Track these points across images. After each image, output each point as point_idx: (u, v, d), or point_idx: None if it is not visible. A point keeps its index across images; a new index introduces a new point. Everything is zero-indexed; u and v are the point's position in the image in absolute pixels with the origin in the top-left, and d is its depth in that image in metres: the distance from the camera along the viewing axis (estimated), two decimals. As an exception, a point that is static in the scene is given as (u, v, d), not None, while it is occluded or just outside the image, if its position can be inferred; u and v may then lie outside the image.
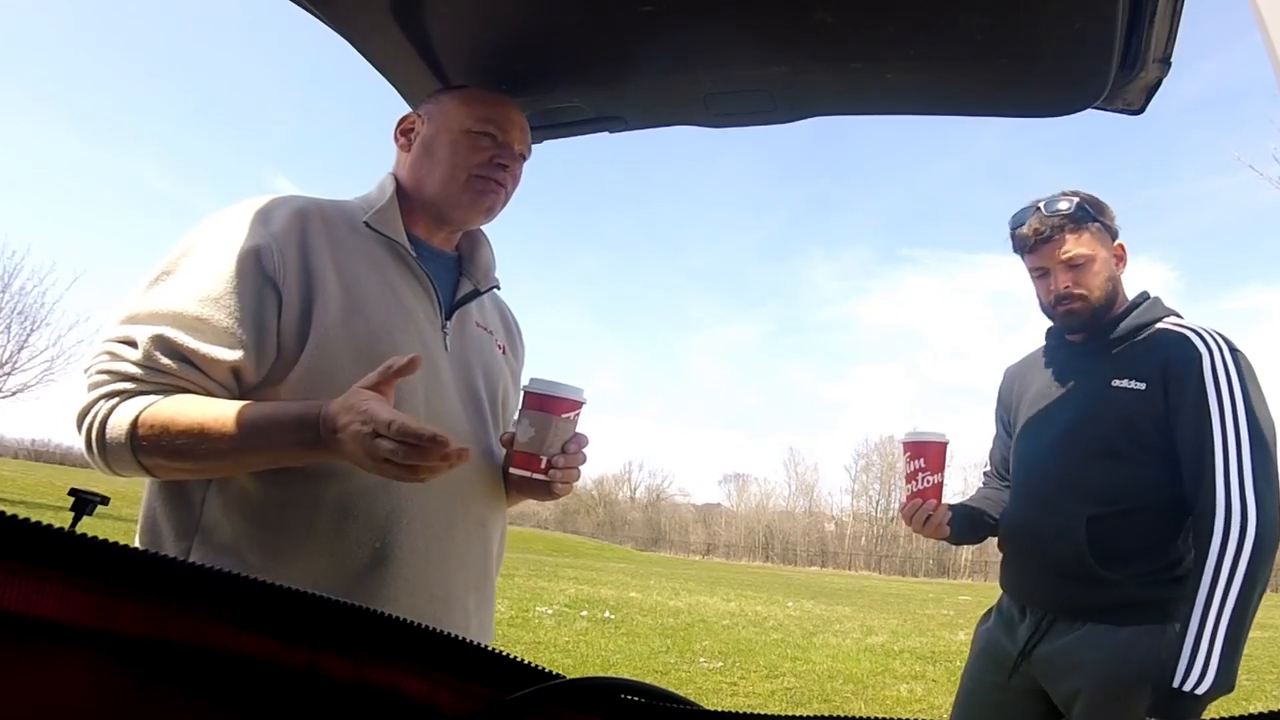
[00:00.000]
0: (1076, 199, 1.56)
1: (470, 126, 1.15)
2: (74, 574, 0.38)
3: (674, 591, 13.35)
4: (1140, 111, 1.22)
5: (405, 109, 1.33)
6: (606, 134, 1.42)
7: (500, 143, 1.16)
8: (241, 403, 0.94)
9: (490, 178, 1.15)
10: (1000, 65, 1.11)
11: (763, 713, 0.48)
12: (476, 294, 1.21)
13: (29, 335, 20.83)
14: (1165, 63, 1.11)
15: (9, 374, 20.56)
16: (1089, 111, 1.21)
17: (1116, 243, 1.60)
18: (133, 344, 0.95)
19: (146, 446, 0.92)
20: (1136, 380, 1.50)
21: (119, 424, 0.93)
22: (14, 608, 0.36)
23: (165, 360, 0.95)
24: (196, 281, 0.97)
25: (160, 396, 0.94)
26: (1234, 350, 1.47)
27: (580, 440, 1.09)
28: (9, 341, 20.59)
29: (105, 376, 0.96)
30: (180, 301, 0.96)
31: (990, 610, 1.77)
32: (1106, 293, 1.56)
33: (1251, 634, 1.37)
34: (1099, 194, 1.60)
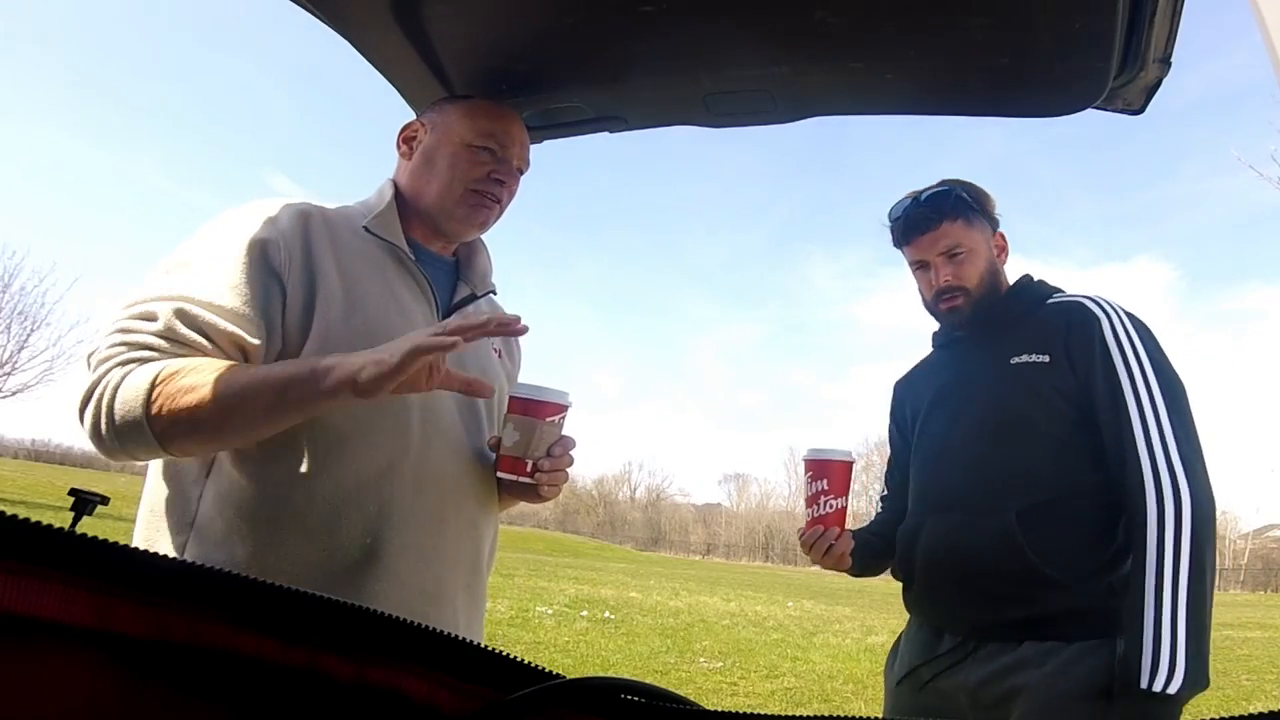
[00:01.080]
0: (955, 188, 1.48)
1: (471, 140, 1.16)
2: (74, 574, 0.38)
3: (674, 591, 13.36)
4: (1140, 111, 1.22)
5: (406, 109, 1.34)
6: (606, 134, 1.42)
7: (499, 158, 1.17)
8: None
9: (486, 193, 1.17)
10: (1000, 65, 1.11)
11: (763, 713, 0.48)
12: (473, 298, 1.23)
13: (29, 335, 20.93)
14: (1165, 63, 1.11)
15: (9, 374, 20.62)
16: (1089, 111, 1.21)
17: (998, 233, 1.51)
18: (151, 317, 0.95)
19: (162, 404, 0.89)
20: (1038, 354, 1.38)
21: (134, 387, 0.90)
22: (14, 608, 0.36)
23: (184, 330, 0.94)
24: (208, 271, 0.98)
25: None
26: (1130, 314, 1.37)
27: (566, 443, 1.10)
28: (9, 341, 20.67)
29: (118, 349, 0.93)
30: (194, 287, 0.97)
31: (892, 656, 1.55)
32: (988, 285, 1.47)
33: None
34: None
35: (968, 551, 1.35)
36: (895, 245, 1.54)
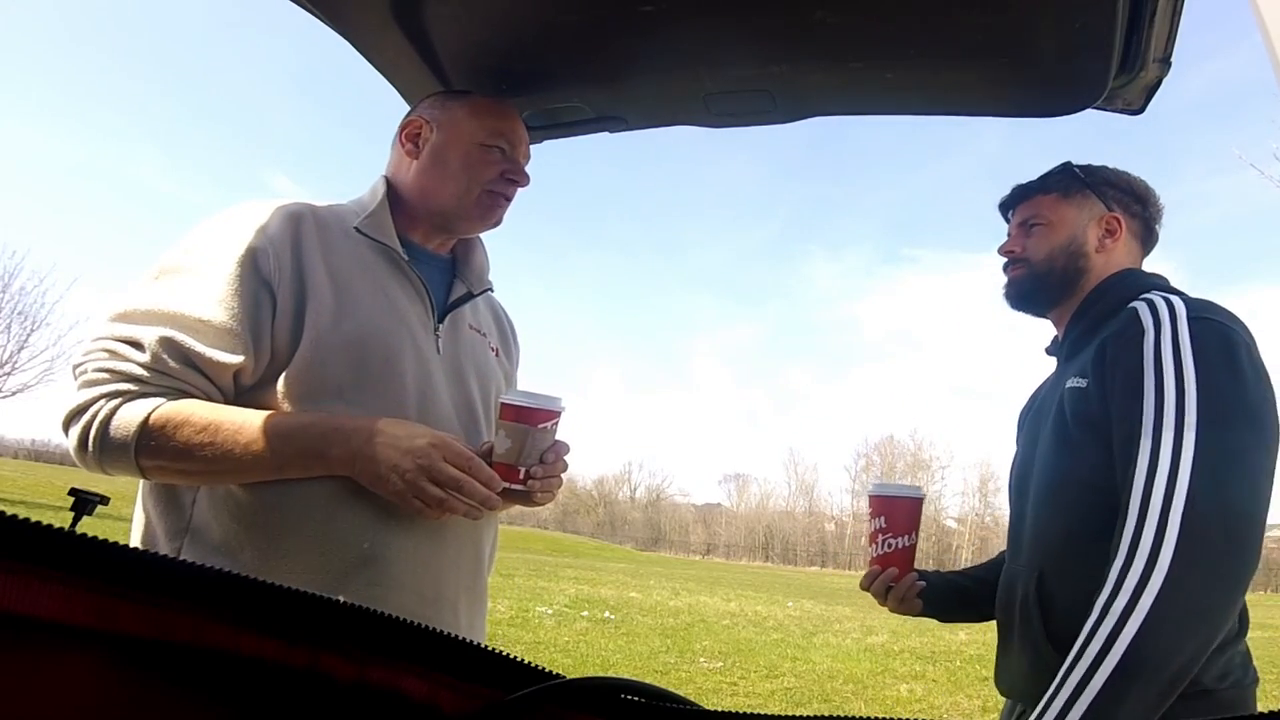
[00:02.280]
0: (1073, 165, 1.28)
1: (482, 140, 1.16)
2: (74, 574, 0.38)
3: (674, 591, 13.36)
4: (1140, 111, 1.22)
5: (405, 109, 1.33)
6: (607, 134, 1.42)
7: (509, 156, 1.18)
8: (256, 411, 0.96)
9: (500, 193, 1.17)
10: (1000, 65, 1.11)
11: (763, 713, 0.49)
12: (470, 296, 1.22)
13: (29, 335, 20.94)
14: (1165, 63, 1.11)
15: (9, 374, 20.63)
16: (1089, 111, 1.21)
17: (1110, 214, 1.23)
18: (137, 345, 0.95)
19: (153, 448, 0.92)
20: (1081, 377, 1.11)
21: (125, 424, 0.92)
22: (14, 608, 0.36)
23: (172, 363, 0.95)
24: (196, 282, 0.98)
25: (165, 399, 0.95)
26: (1201, 318, 1.01)
27: (559, 449, 1.08)
28: (9, 341, 20.69)
29: (105, 375, 0.95)
30: (181, 302, 0.96)
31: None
32: (1059, 264, 1.22)
33: (1252, 634, 1.08)
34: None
35: (1000, 614, 1.22)
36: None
